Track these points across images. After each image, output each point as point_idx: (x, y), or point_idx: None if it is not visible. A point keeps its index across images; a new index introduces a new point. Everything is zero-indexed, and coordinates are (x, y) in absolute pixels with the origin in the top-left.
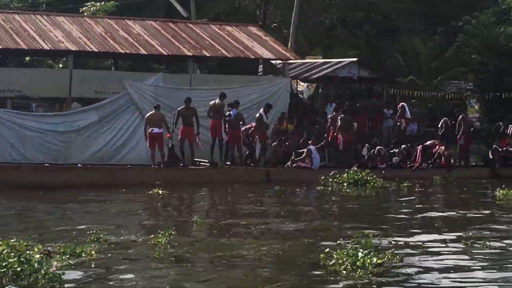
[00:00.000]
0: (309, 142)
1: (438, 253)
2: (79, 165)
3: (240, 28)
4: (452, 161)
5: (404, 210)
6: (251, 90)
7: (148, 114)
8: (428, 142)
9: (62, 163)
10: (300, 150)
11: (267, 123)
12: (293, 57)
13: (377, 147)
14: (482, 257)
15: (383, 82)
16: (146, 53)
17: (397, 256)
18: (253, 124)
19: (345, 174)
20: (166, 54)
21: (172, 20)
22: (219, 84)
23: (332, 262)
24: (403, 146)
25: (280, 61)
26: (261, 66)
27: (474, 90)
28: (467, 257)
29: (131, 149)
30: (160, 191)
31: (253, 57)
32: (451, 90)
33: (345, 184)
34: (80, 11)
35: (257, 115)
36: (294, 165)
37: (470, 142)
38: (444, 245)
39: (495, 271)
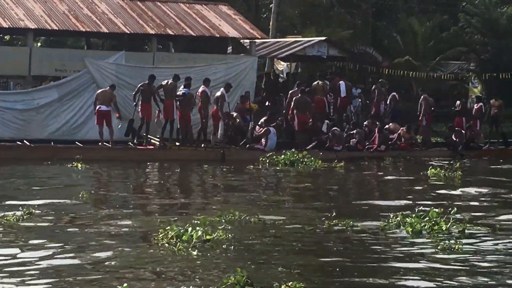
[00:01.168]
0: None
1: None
2: (24, 142)
3: (209, 7)
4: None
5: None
6: (216, 69)
7: (98, 91)
8: (390, 125)
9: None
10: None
11: (227, 102)
12: (260, 36)
13: (333, 129)
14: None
15: (352, 62)
16: (107, 31)
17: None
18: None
19: (282, 155)
20: (128, 32)
21: None
22: (183, 63)
23: (161, 235)
24: (365, 123)
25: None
26: (230, 47)
27: (476, 71)
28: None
29: (92, 127)
30: (80, 165)
31: (218, 35)
32: (452, 70)
33: (280, 164)
34: None
35: (218, 93)
36: (247, 145)
37: (429, 123)
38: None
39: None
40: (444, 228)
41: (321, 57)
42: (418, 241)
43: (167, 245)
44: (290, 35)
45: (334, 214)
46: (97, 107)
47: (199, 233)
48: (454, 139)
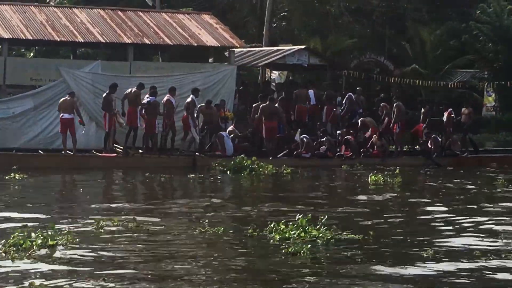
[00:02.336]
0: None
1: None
2: None
3: (191, 16)
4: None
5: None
6: (194, 78)
7: (60, 100)
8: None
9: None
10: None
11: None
12: (239, 45)
13: (302, 136)
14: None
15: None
16: (83, 41)
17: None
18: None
19: (232, 161)
20: (103, 41)
21: (121, 9)
22: (159, 72)
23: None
24: (338, 131)
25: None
26: (211, 59)
27: (489, 79)
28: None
29: (69, 135)
30: (18, 176)
31: (195, 44)
32: (462, 79)
33: (229, 171)
34: (47, 1)
35: (188, 99)
36: (210, 153)
37: (403, 130)
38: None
39: None
40: (315, 235)
41: (302, 65)
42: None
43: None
44: (292, 43)
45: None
46: (60, 115)
47: (39, 240)
48: (430, 146)
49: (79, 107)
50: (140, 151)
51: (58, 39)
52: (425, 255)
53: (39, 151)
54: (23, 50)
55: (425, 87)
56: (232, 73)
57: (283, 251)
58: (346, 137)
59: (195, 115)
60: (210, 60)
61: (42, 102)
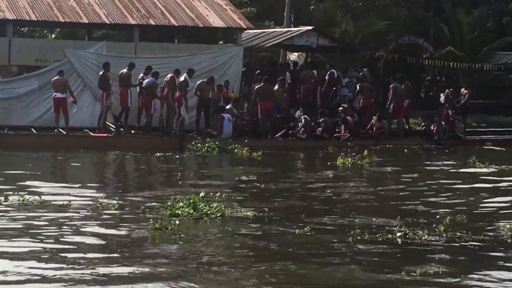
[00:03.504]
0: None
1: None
2: None
3: None
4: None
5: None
6: (200, 59)
7: (53, 80)
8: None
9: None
10: None
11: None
12: (246, 26)
13: (303, 116)
14: None
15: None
16: (87, 21)
17: None
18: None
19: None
20: (109, 23)
21: None
22: (165, 53)
23: None
24: (340, 108)
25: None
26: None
27: None
28: None
29: (73, 114)
30: None
31: (202, 25)
32: (503, 61)
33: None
34: None
35: (181, 78)
36: (203, 131)
37: (398, 111)
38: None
39: None
40: (206, 212)
41: (311, 47)
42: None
43: None
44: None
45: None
46: (53, 95)
47: None
48: (432, 128)
49: (84, 87)
50: (132, 131)
51: (63, 20)
52: (297, 231)
53: (32, 129)
54: (45, 32)
55: (461, 69)
56: (239, 54)
57: (149, 226)
58: (345, 117)
59: (187, 94)
60: (221, 42)
61: (47, 83)
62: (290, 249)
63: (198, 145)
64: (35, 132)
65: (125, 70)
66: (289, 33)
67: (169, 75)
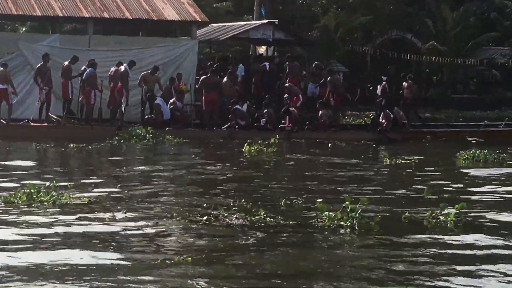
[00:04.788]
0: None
1: None
2: None
3: None
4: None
5: None
6: (153, 52)
7: None
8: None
9: None
10: None
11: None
12: (201, 19)
13: (235, 107)
14: None
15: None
16: (40, 14)
17: None
18: None
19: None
20: (62, 15)
21: None
22: (119, 46)
23: None
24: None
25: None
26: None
27: None
28: None
29: (28, 106)
30: None
31: (155, 19)
32: (490, 56)
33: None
34: None
35: (122, 69)
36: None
37: (339, 103)
38: None
39: None
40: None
41: (267, 40)
42: None
43: None
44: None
45: None
46: None
47: None
48: (381, 121)
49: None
50: (73, 121)
51: (16, 13)
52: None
53: None
54: (16, 25)
55: (445, 64)
56: (194, 47)
57: None
58: (288, 108)
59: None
60: (185, 38)
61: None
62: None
63: (122, 134)
64: None
65: (66, 63)
66: (245, 27)
67: (113, 68)
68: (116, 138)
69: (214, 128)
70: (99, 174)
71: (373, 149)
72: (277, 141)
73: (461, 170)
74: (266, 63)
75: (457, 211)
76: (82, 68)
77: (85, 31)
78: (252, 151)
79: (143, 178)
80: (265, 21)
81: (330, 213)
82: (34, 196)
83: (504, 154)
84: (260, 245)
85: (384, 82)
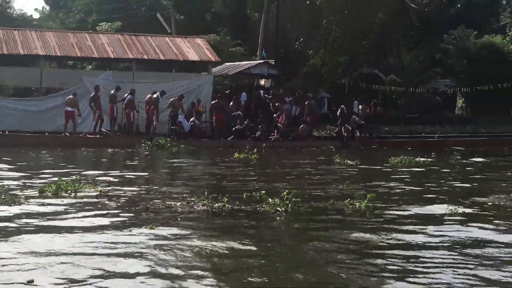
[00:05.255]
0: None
1: None
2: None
3: (187, 40)
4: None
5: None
6: (181, 84)
7: (67, 98)
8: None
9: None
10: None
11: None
12: (215, 60)
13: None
14: None
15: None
16: (97, 56)
17: None
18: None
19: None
20: (113, 57)
21: (135, 34)
22: (155, 79)
23: None
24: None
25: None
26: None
27: (457, 86)
28: None
29: (87, 124)
30: None
31: (182, 59)
32: (437, 87)
33: (153, 146)
34: (94, 28)
35: (154, 96)
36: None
37: (315, 121)
38: None
39: None
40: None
41: (263, 74)
42: None
43: None
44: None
45: None
46: (65, 108)
47: None
48: (343, 133)
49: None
50: (118, 133)
51: (80, 55)
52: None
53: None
54: (84, 64)
55: (402, 92)
56: (209, 80)
57: None
58: (277, 124)
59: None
60: (204, 73)
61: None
62: None
63: (148, 142)
64: (46, 134)
65: (112, 91)
66: (247, 65)
67: (148, 95)
68: (143, 145)
69: (222, 139)
70: (114, 169)
71: (333, 153)
72: (265, 149)
73: (388, 169)
74: (261, 91)
75: (368, 200)
76: (125, 95)
77: (130, 68)
78: (241, 156)
79: (151, 177)
80: (262, 61)
81: (271, 201)
82: (62, 187)
83: (426, 159)
84: (209, 221)
85: (342, 106)
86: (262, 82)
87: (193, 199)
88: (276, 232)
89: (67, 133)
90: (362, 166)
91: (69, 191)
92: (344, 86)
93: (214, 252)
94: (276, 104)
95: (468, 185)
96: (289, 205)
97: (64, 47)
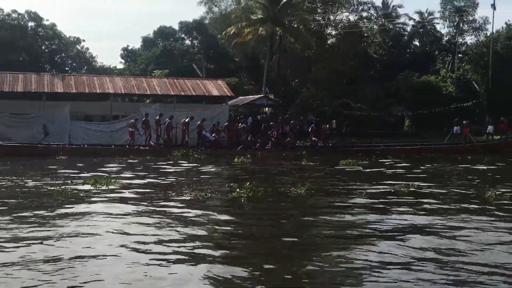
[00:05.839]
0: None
1: None
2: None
3: (212, 81)
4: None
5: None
6: (206, 111)
7: (129, 122)
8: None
9: (106, 145)
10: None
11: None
12: (230, 95)
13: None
14: None
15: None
16: (149, 93)
17: None
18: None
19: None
20: (160, 94)
21: (176, 78)
22: (188, 108)
23: None
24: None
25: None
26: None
27: (403, 110)
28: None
29: (141, 140)
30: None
31: (207, 94)
32: (391, 111)
33: (181, 155)
34: (151, 74)
35: (187, 120)
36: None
37: (297, 136)
38: None
39: None
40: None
41: (264, 105)
42: None
43: None
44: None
45: None
46: (128, 129)
47: None
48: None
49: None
50: (161, 145)
51: (137, 92)
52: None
53: (85, 145)
54: (143, 99)
55: (366, 116)
56: (226, 109)
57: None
58: (271, 138)
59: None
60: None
61: (130, 124)
62: None
63: (178, 152)
64: (113, 146)
65: (157, 117)
66: (253, 98)
67: (183, 119)
68: (174, 154)
69: (233, 149)
70: (141, 170)
71: (303, 157)
72: (259, 155)
73: (337, 168)
74: (258, 116)
75: (306, 189)
76: (166, 119)
77: (172, 101)
78: (239, 161)
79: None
80: (262, 95)
81: (238, 190)
82: (98, 182)
83: (367, 162)
84: (193, 204)
85: (312, 125)
86: (266, 109)
87: (184, 190)
88: (239, 209)
89: (127, 146)
90: (321, 167)
91: (103, 184)
92: (326, 112)
93: (195, 220)
94: (271, 123)
95: (386, 181)
96: (250, 192)
97: (127, 87)
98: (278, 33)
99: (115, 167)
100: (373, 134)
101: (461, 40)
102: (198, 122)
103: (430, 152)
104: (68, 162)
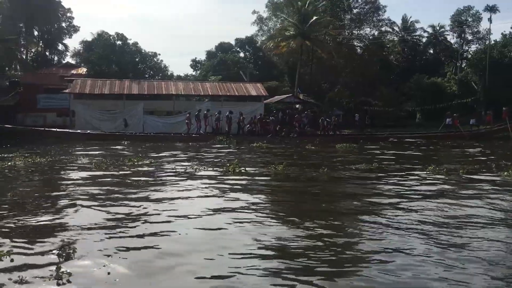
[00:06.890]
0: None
1: None
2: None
3: (252, 84)
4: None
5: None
6: (246, 107)
7: (186, 115)
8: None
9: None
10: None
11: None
12: (266, 94)
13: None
14: None
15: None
16: (202, 94)
17: None
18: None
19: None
20: (210, 94)
21: (224, 82)
22: (232, 105)
23: None
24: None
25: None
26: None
27: (418, 106)
28: None
29: (193, 129)
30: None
31: (247, 94)
32: (404, 107)
33: (220, 141)
34: (208, 79)
35: (228, 114)
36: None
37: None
38: None
39: None
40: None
41: (292, 102)
42: None
43: None
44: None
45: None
46: (186, 121)
47: None
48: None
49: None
50: (208, 134)
51: (194, 94)
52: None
53: (150, 133)
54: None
55: (382, 111)
56: (261, 106)
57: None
58: (296, 128)
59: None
60: (259, 102)
61: (188, 117)
62: None
63: (220, 138)
64: (172, 134)
65: (205, 112)
66: (284, 97)
67: (227, 113)
68: (214, 141)
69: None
70: (172, 153)
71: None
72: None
73: (332, 154)
74: (287, 110)
75: (283, 166)
76: (215, 113)
77: (220, 100)
78: (258, 145)
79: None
80: (290, 94)
81: (231, 167)
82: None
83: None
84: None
85: (333, 117)
86: (297, 105)
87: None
88: (222, 178)
89: (183, 134)
90: (316, 149)
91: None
92: (351, 107)
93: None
94: (295, 116)
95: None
96: (234, 169)
97: (186, 89)
98: (308, 45)
99: (180, 147)
100: (388, 126)
101: (467, 48)
102: (238, 116)
103: (423, 139)
104: (134, 146)
